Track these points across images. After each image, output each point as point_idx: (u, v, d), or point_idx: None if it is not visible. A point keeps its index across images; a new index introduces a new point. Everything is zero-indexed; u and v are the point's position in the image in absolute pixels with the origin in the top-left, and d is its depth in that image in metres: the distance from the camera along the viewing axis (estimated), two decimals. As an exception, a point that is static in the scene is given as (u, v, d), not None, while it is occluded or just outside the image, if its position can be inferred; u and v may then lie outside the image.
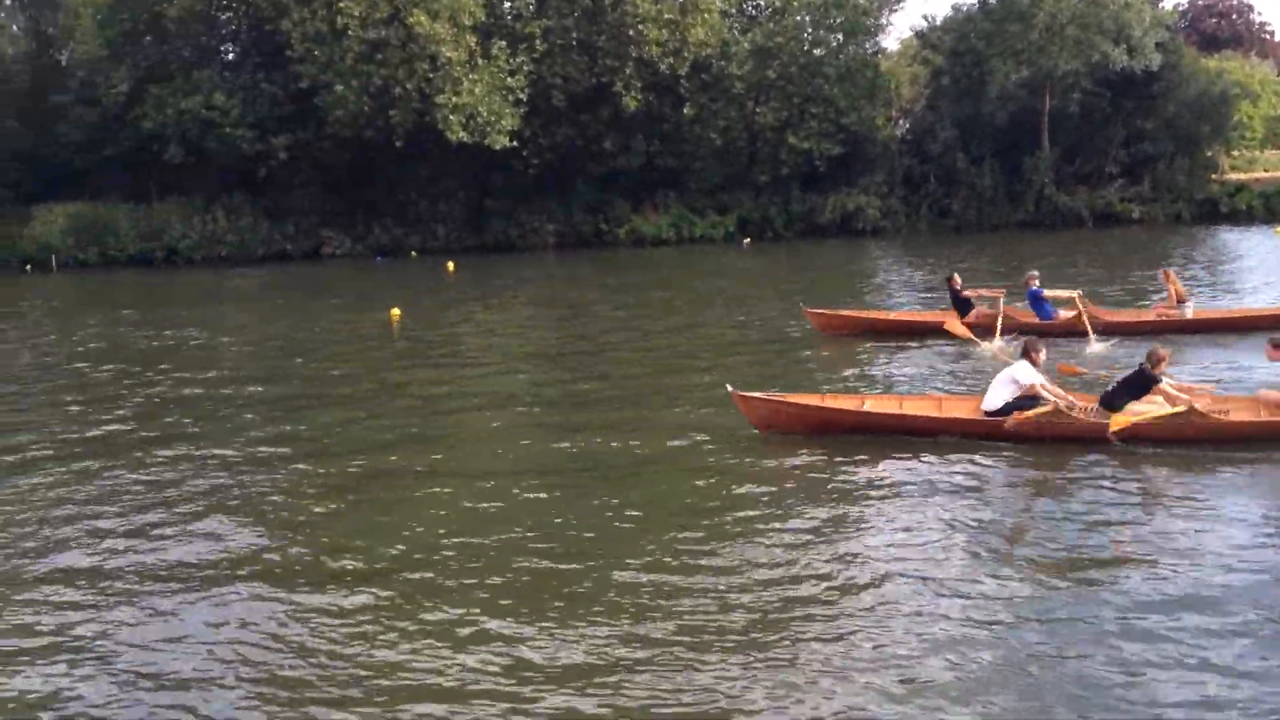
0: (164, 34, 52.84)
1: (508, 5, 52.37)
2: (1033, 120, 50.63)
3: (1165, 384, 10.80)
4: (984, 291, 18.66)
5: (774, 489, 9.90)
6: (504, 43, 48.75)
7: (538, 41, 49.68)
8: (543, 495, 9.82)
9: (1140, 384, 10.85)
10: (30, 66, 60.29)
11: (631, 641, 6.56)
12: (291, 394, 15.10)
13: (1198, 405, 10.45)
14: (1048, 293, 17.98)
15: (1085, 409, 11.06)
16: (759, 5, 56.41)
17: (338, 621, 6.99)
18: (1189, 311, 17.55)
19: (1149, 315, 17.92)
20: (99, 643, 6.83)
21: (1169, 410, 10.35)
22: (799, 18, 52.47)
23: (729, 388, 12.05)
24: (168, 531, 9.04)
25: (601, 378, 14.50)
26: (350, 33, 47.17)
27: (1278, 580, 7.28)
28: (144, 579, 7.86)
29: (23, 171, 58.14)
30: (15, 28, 61.45)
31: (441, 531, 8.75)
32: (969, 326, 17.21)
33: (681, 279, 33.25)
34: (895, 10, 54.49)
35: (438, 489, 10.15)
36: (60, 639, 6.92)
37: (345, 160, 53.51)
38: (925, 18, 78.27)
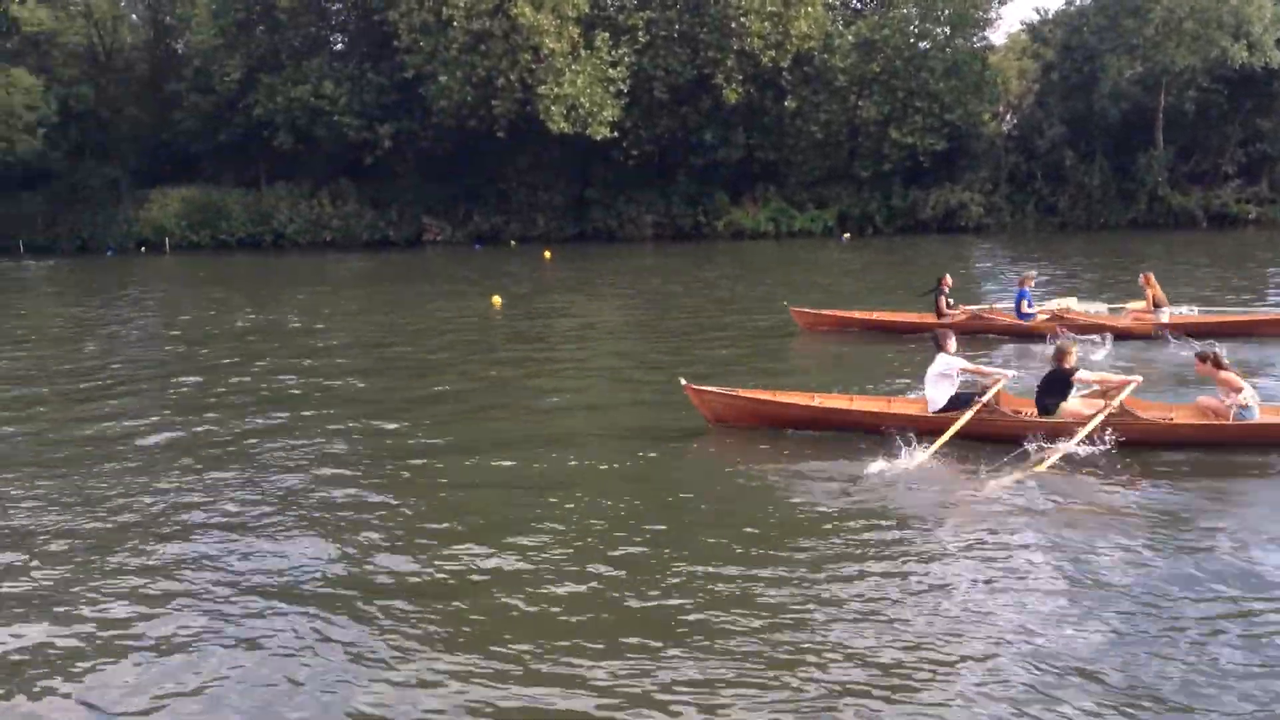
0: (276, 24, 54.14)
1: (610, -3, 52.54)
2: (1146, 118, 49.20)
3: (1082, 374, 10.89)
4: (963, 308, 18.73)
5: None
6: (606, 34, 48.97)
7: (640, 33, 49.82)
8: (648, 507, 9.67)
9: (1058, 382, 10.84)
10: (149, 55, 62.37)
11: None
12: (389, 387, 14.99)
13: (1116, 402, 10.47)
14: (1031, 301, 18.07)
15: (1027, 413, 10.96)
16: (864, -2, 55.77)
17: (427, 631, 6.83)
18: (1165, 316, 17.36)
19: (1124, 320, 17.58)
20: (186, 645, 6.73)
21: (1099, 415, 10.34)
22: (905, 10, 51.69)
23: (682, 380, 12.03)
24: (260, 532, 8.70)
25: (704, 376, 14.31)
26: (455, 23, 47.84)
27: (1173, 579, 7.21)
28: (229, 586, 7.52)
29: (140, 157, 60.28)
30: (135, 17, 63.48)
31: (538, 540, 8.50)
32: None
33: (780, 273, 33.01)
34: (1004, 3, 53.05)
35: (541, 495, 9.84)
36: (150, 638, 6.87)
37: (447, 149, 54.31)
38: (1037, 11, 76.64)
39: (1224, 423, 10.49)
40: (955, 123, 50.28)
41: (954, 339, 11.52)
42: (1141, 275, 18.10)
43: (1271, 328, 16.84)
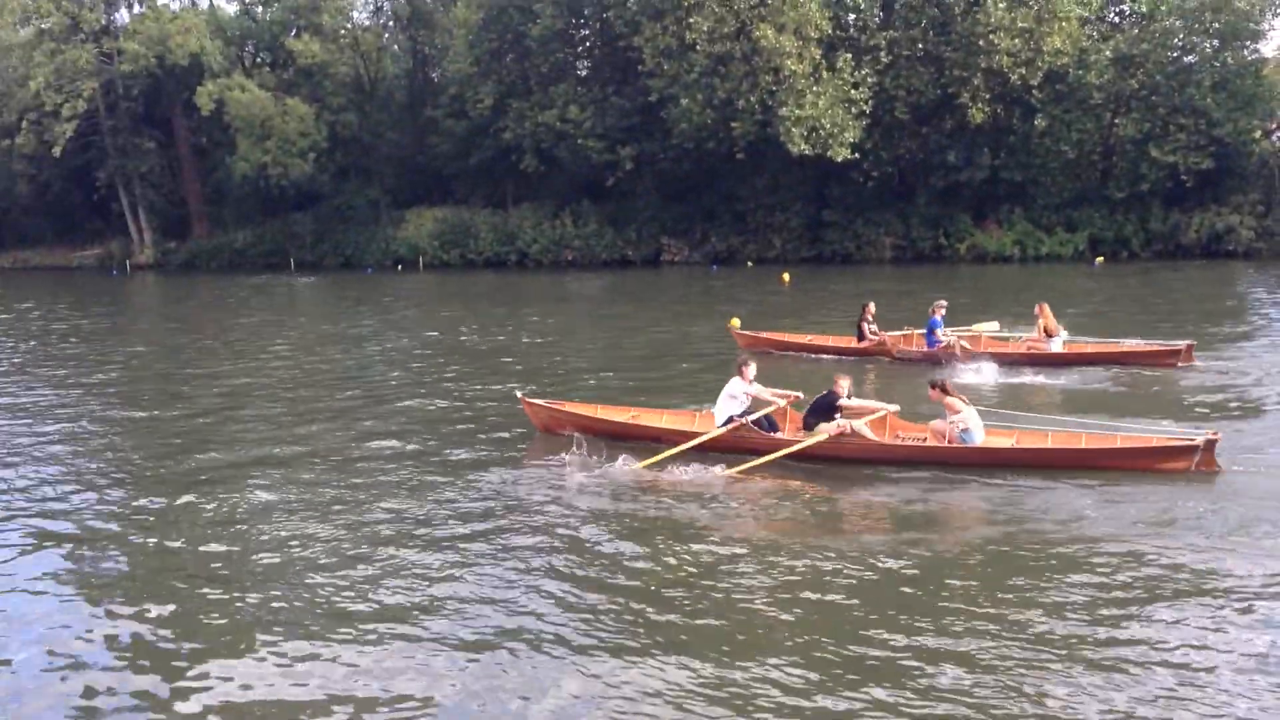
0: (526, 52, 56.40)
1: (853, 17, 52.02)
2: None
3: (844, 402, 12.07)
4: (884, 335, 19.99)
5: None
6: (848, 55, 48.55)
7: (882, 53, 49.16)
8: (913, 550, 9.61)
9: (824, 406, 12.07)
10: (408, 83, 66.25)
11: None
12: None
13: (855, 425, 11.80)
14: (944, 331, 19.03)
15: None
16: (1123, 11, 53.04)
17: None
18: (1057, 345, 18.41)
19: (1020, 348, 18.69)
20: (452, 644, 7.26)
21: (823, 436, 11.77)
22: (1168, 23, 48.92)
23: (518, 394, 13.97)
24: (462, 560, 8.87)
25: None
26: (698, 47, 48.55)
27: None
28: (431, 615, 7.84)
29: (398, 179, 64.03)
30: (396, 47, 67.55)
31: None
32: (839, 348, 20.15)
33: (1027, 297, 31.68)
34: (1278, 14, 49.36)
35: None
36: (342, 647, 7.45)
37: (686, 170, 55.11)
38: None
39: (936, 445, 11.61)
40: (1224, 139, 47.10)
41: (753, 366, 12.63)
42: (1037, 305, 19.04)
43: (1149, 358, 17.68)
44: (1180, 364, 17.45)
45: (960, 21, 48.23)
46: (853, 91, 47.86)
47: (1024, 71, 47.47)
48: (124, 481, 11.91)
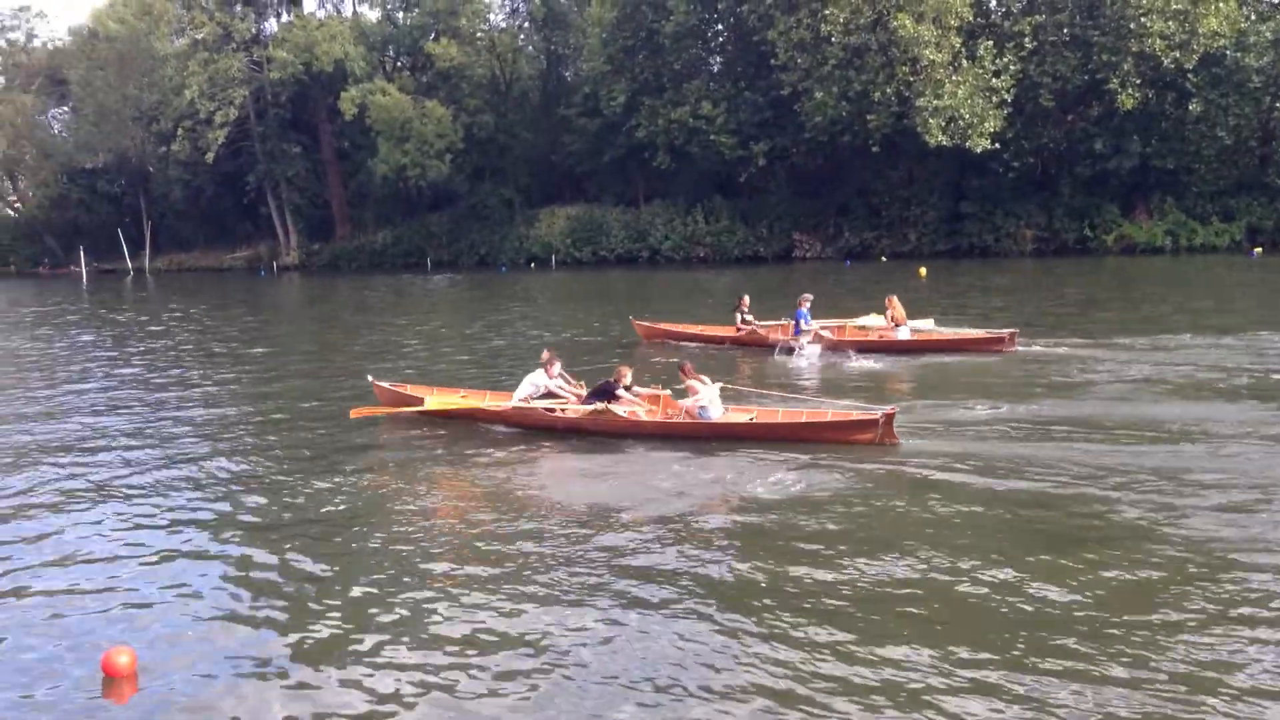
0: (658, 49, 56.47)
1: (995, 3, 50.59)
2: None
3: (622, 392, 13.46)
4: (756, 326, 21.60)
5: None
6: (990, 42, 47.22)
7: (1026, 39, 47.64)
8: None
9: (602, 392, 13.56)
10: (542, 83, 67.04)
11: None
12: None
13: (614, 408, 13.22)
14: (807, 322, 20.52)
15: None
16: (1284, -11, 50.42)
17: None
18: (905, 333, 20.14)
19: (873, 335, 20.43)
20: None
21: (586, 409, 13.36)
22: (1335, 0, 46.27)
23: (369, 377, 15.48)
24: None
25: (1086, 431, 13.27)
26: (833, 39, 47.83)
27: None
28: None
29: (532, 178, 64.89)
30: (530, 48, 68.45)
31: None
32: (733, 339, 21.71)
33: (1181, 292, 30.24)
34: None
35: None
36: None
37: (818, 164, 54.45)
38: None
39: (672, 421, 13.07)
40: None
41: (558, 364, 14.21)
42: (886, 298, 20.74)
43: (980, 344, 19.27)
44: (1005, 350, 18.93)
45: (1109, 4, 46.43)
46: (994, 80, 46.52)
47: (1178, 55, 45.43)
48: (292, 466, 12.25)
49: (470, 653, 6.69)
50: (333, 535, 9.29)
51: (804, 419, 12.69)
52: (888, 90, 47.52)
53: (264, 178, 69.05)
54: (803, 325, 20.38)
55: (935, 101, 45.73)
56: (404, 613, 7.42)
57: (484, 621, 7.17)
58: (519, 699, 6.11)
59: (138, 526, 9.72)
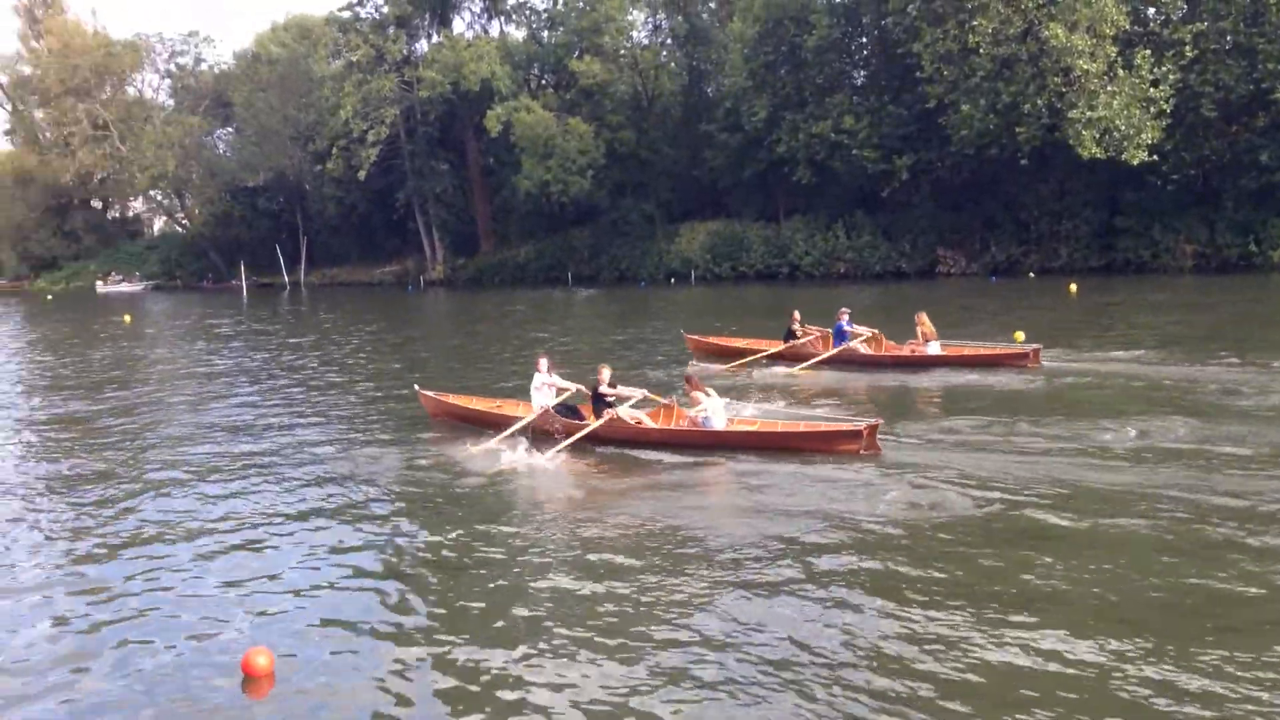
0: (800, 64, 56.13)
1: (1152, 11, 48.72)
2: None
3: (605, 390, 14.04)
4: (814, 331, 22.53)
5: None
6: (1147, 51, 45.47)
7: (1187, 48, 45.70)
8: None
9: (596, 397, 14.04)
10: (683, 99, 67.34)
11: None
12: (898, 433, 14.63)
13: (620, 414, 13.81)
14: (851, 328, 21.56)
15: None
16: None
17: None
18: (935, 348, 20.74)
19: (905, 350, 21.14)
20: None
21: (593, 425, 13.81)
22: None
23: (416, 387, 16.23)
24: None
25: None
26: (981, 51, 46.74)
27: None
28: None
29: (673, 193, 65.21)
30: (673, 65, 68.87)
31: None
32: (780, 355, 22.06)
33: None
34: None
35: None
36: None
37: (964, 178, 53.23)
38: None
39: (677, 429, 13.79)
40: None
41: (544, 360, 14.73)
42: (916, 315, 21.21)
43: (1004, 360, 19.79)
44: (1029, 366, 19.40)
45: (1276, 10, 44.19)
46: (1152, 90, 44.76)
47: (1352, 61, 42.95)
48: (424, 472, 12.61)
49: (616, 659, 6.75)
50: (466, 546, 9.49)
51: (801, 429, 13.27)
52: (1038, 102, 46.17)
53: (412, 194, 71.16)
54: (846, 329, 21.33)
55: (1089, 113, 44.24)
56: (537, 622, 7.52)
57: (627, 629, 7.21)
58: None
59: (276, 532, 10.16)
